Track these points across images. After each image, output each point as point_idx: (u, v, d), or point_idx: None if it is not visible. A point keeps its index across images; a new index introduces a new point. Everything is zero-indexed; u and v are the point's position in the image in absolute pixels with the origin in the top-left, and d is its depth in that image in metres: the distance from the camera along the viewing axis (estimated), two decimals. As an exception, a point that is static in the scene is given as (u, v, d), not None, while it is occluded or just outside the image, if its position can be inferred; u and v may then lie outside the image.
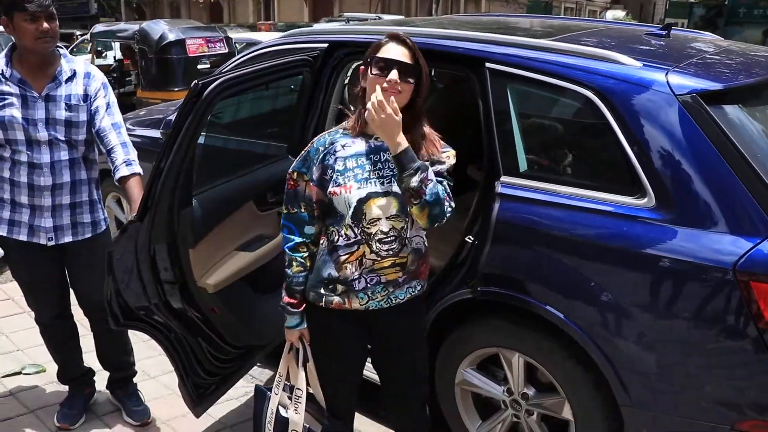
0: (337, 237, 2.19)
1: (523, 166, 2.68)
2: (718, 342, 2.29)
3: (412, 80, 2.11)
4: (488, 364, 2.93)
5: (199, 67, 9.28)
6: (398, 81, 2.07)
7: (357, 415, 2.71)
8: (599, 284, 2.45)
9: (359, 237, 2.16)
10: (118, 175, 2.87)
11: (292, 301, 2.29)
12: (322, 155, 2.18)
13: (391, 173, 2.15)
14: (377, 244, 2.17)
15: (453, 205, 2.19)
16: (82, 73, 2.89)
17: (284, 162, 3.16)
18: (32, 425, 3.14)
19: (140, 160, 4.60)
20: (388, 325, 2.34)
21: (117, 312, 2.72)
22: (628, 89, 2.45)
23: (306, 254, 2.26)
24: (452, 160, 2.26)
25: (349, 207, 2.14)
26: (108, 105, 2.92)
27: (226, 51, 9.90)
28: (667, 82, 2.41)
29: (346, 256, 2.18)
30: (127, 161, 2.89)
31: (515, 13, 20.39)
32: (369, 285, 2.21)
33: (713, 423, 2.33)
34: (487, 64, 2.74)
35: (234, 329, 2.91)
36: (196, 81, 2.48)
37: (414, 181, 2.04)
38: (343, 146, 2.19)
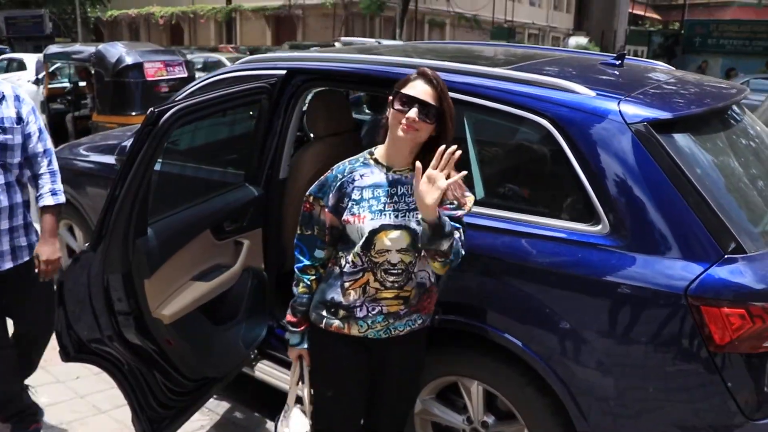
0: (344, 263, 2.24)
1: (479, 193, 2.69)
2: (673, 365, 2.32)
3: (431, 121, 2.12)
4: (448, 393, 2.92)
5: (160, 90, 9.16)
6: (416, 120, 2.08)
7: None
8: (555, 311, 2.47)
9: (365, 265, 2.20)
10: (41, 203, 2.93)
11: (293, 320, 2.36)
12: (339, 183, 2.21)
13: (407, 207, 2.19)
14: (382, 274, 2.20)
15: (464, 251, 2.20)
16: (12, 95, 2.88)
17: (241, 190, 3.13)
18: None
19: (94, 187, 4.57)
20: (384, 355, 2.36)
21: (68, 344, 2.65)
22: (582, 118, 2.49)
23: (313, 277, 2.32)
24: (471, 205, 2.26)
25: (361, 236, 2.17)
26: (40, 130, 2.95)
27: (186, 75, 9.80)
28: (620, 111, 2.46)
29: (350, 283, 2.23)
30: (53, 190, 2.95)
31: (479, 41, 20.70)
32: (370, 314, 2.25)
33: (669, 447, 2.36)
34: (444, 93, 2.75)
35: (190, 361, 2.85)
36: (152, 108, 2.45)
37: (444, 245, 2.07)
38: (361, 176, 2.22)
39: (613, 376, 2.41)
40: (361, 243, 2.17)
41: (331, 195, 2.21)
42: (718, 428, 2.32)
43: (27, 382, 3.25)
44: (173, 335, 2.71)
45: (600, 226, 2.41)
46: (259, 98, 3.10)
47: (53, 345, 4.08)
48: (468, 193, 2.27)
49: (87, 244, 2.58)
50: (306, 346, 2.38)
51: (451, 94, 2.69)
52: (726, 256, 2.26)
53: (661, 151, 2.39)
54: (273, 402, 3.01)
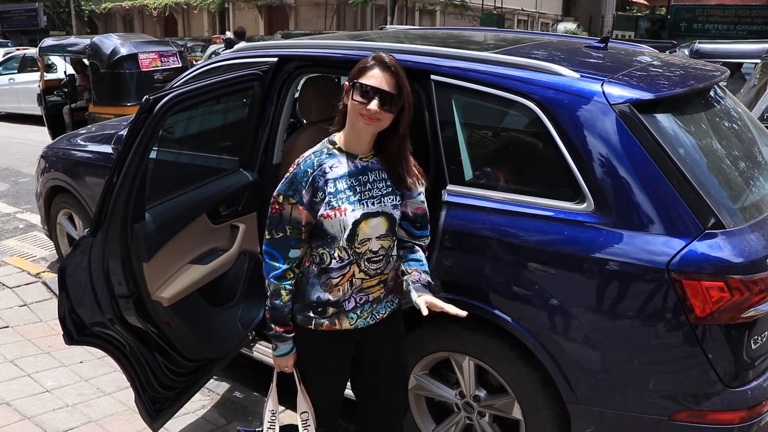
0: (329, 259, 2.17)
1: (468, 174, 2.76)
2: (657, 338, 2.40)
3: (393, 110, 2.08)
4: (440, 369, 3.00)
5: (153, 81, 9.20)
6: (378, 111, 2.05)
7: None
8: (543, 287, 2.54)
9: (351, 258, 2.18)
10: None
11: (286, 327, 2.25)
12: (311, 177, 2.12)
13: (380, 193, 2.19)
14: (365, 263, 2.20)
15: (428, 237, 2.42)
16: None
17: (236, 175, 3.20)
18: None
19: (92, 176, 4.64)
20: (371, 342, 2.39)
21: (71, 328, 2.72)
22: (566, 99, 2.56)
23: (293, 281, 2.21)
24: (425, 183, 2.35)
25: (345, 229, 2.13)
26: None
27: (180, 65, 9.83)
28: (603, 92, 2.52)
29: (339, 279, 2.19)
30: None
31: (468, 27, 20.63)
32: (358, 304, 2.26)
33: (654, 415, 2.44)
34: (433, 76, 2.82)
35: (189, 342, 2.92)
36: (147, 96, 2.51)
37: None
38: (331, 167, 2.15)
39: (599, 350, 2.49)
40: (345, 236, 2.13)
41: (304, 191, 2.11)
42: (699, 396, 2.40)
43: (29, 366, 3.28)
44: (173, 317, 2.79)
45: (585, 204, 2.48)
46: (251, 85, 3.16)
47: (57, 331, 4.18)
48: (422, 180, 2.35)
49: (87, 230, 2.64)
50: (296, 348, 2.30)
51: (441, 78, 2.79)
52: (706, 232, 2.34)
53: (644, 130, 2.46)
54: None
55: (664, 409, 2.42)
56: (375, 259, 2.20)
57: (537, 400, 2.67)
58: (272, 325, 2.24)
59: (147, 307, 2.73)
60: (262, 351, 3.36)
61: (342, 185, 2.13)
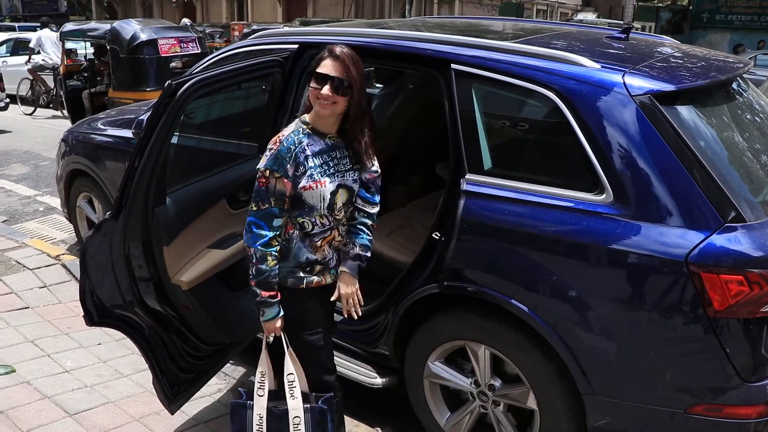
0: (310, 226, 2.40)
1: (487, 164, 2.76)
2: (674, 331, 2.40)
3: (344, 93, 2.33)
4: (456, 357, 3.02)
5: (172, 65, 9.24)
6: (330, 95, 2.30)
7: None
8: (562, 277, 2.55)
9: (331, 224, 2.44)
10: None
11: (272, 293, 2.39)
12: (293, 154, 2.33)
13: (344, 168, 2.45)
14: (341, 227, 2.50)
15: (378, 205, 2.61)
16: None
17: (255, 161, 3.21)
18: (2, 425, 3.14)
19: (112, 160, 4.68)
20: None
21: (92, 310, 2.75)
22: (587, 90, 2.55)
23: (278, 247, 2.38)
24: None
25: (324, 200, 2.38)
26: None
27: (199, 51, 9.85)
28: (624, 83, 2.51)
29: (320, 241, 2.44)
30: None
31: (487, 16, 20.50)
32: (336, 262, 2.54)
33: (670, 408, 2.44)
34: (453, 66, 2.82)
35: (207, 326, 2.95)
36: (169, 81, 2.53)
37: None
38: (308, 145, 2.37)
39: (615, 341, 2.49)
40: (326, 205, 2.38)
41: (288, 166, 2.32)
42: (716, 390, 2.40)
43: (49, 346, 3.31)
44: (191, 301, 2.82)
45: (604, 195, 2.47)
46: (272, 72, 3.17)
47: (75, 312, 4.24)
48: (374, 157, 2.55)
49: (109, 213, 2.67)
50: (282, 312, 2.44)
51: (461, 67, 2.79)
52: (726, 225, 2.33)
53: (664, 122, 2.45)
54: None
55: (680, 402, 2.42)
56: (343, 222, 2.50)
57: (552, 390, 2.67)
58: (258, 291, 2.38)
59: (166, 290, 2.77)
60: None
61: (318, 161, 2.37)
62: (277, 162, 2.32)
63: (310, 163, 2.35)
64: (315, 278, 2.47)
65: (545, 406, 2.72)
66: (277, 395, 2.51)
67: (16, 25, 24.51)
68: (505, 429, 2.92)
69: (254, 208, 2.35)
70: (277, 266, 2.37)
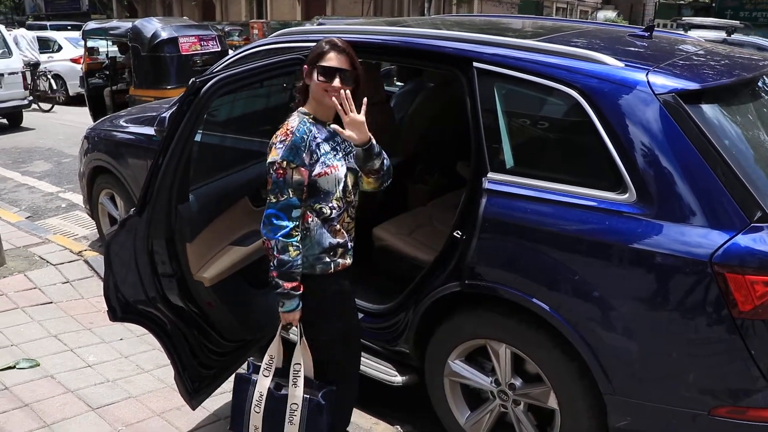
0: (328, 210, 2.44)
1: (509, 162, 2.76)
2: (697, 332, 2.38)
3: (351, 85, 2.42)
4: (476, 356, 3.02)
5: (192, 64, 9.30)
6: (341, 86, 2.38)
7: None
8: (583, 277, 2.53)
9: (344, 206, 2.48)
10: None
11: (294, 284, 2.40)
12: (307, 143, 2.38)
13: (345, 152, 2.51)
14: (351, 209, 2.54)
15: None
16: None
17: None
18: (27, 418, 3.19)
19: (134, 157, 4.72)
20: None
21: (115, 305, 2.78)
22: (610, 88, 2.54)
23: (299, 236, 2.40)
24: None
25: (339, 183, 2.44)
26: None
27: (219, 49, 9.91)
28: (648, 81, 2.49)
29: (339, 224, 2.48)
30: None
31: (506, 14, 20.42)
32: (353, 244, 2.58)
33: (692, 410, 2.43)
34: (475, 64, 2.82)
35: (229, 323, 2.97)
36: (194, 79, 2.55)
37: (376, 164, 2.49)
38: (317, 135, 2.43)
39: (638, 341, 2.48)
40: (340, 188, 2.44)
41: (303, 155, 2.36)
42: (740, 392, 2.38)
43: (71, 341, 3.34)
44: (214, 297, 2.84)
45: (627, 195, 2.46)
46: (294, 70, 3.17)
47: (98, 308, 4.29)
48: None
49: (133, 210, 2.69)
50: (301, 304, 2.44)
51: (483, 66, 2.79)
52: (752, 225, 2.30)
53: (688, 121, 2.43)
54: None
55: (703, 404, 2.41)
56: (354, 204, 2.55)
57: (573, 389, 2.67)
58: (281, 283, 2.39)
59: (189, 286, 2.79)
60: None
61: (328, 147, 2.43)
62: (292, 152, 2.34)
63: (322, 150, 2.40)
64: (340, 261, 2.50)
65: (566, 406, 2.71)
66: (281, 378, 2.54)
67: (48, 23, 24.76)
68: (525, 428, 2.91)
69: (273, 200, 2.37)
70: (299, 257, 2.38)
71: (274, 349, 2.57)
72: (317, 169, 2.39)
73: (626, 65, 2.59)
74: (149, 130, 4.57)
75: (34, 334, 3.99)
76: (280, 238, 2.35)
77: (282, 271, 2.37)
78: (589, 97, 2.55)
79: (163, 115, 4.41)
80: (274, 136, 2.39)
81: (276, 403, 2.51)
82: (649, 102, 2.46)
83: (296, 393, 2.48)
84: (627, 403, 2.54)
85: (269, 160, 2.37)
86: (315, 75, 2.40)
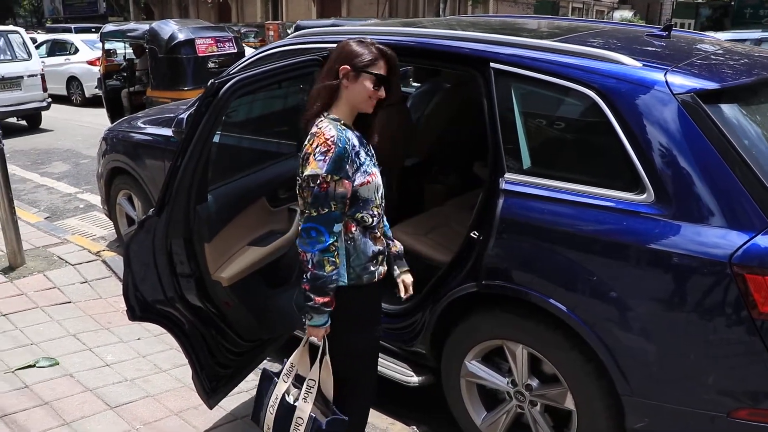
0: (369, 219, 2.39)
1: (526, 163, 2.75)
2: (716, 333, 2.36)
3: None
4: (493, 357, 3.01)
5: (209, 66, 9.36)
6: (383, 95, 2.35)
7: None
8: (601, 277, 2.53)
9: (381, 212, 2.46)
10: None
11: (327, 299, 2.31)
12: (348, 153, 2.28)
13: (373, 154, 2.46)
14: (383, 215, 2.51)
15: None
16: None
17: (294, 159, 3.24)
18: (47, 416, 3.23)
19: (152, 158, 4.76)
20: None
21: (134, 305, 2.80)
22: (628, 88, 2.53)
23: (336, 252, 2.31)
24: None
25: (378, 190, 2.41)
26: None
27: (236, 51, 9.97)
28: (666, 81, 2.48)
29: (377, 231, 2.45)
30: None
31: (522, 14, 20.35)
32: (388, 250, 2.57)
33: (711, 411, 2.41)
34: (492, 64, 2.82)
35: (247, 323, 2.99)
36: (212, 80, 2.56)
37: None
38: (354, 142, 2.34)
39: (655, 343, 2.47)
40: (378, 195, 2.41)
41: (347, 166, 2.27)
42: (761, 394, 2.36)
43: (90, 340, 3.37)
44: (232, 297, 2.85)
45: (645, 195, 2.45)
46: (311, 71, 3.18)
47: (116, 308, 4.32)
48: None
49: (152, 210, 2.72)
50: (329, 321, 2.37)
51: (500, 66, 2.79)
52: (772, 225, 2.28)
53: (707, 121, 2.41)
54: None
55: (723, 406, 2.39)
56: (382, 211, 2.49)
57: (591, 390, 2.66)
58: (312, 296, 2.30)
59: (207, 286, 2.81)
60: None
61: (363, 154, 2.36)
62: (336, 165, 2.24)
63: (360, 159, 2.32)
64: (381, 268, 2.47)
65: (583, 407, 2.70)
66: (297, 385, 2.51)
67: (72, 26, 24.99)
68: (542, 429, 2.90)
69: (314, 214, 2.26)
70: (334, 272, 2.31)
71: (296, 357, 2.50)
72: (359, 179, 2.31)
73: (644, 65, 2.58)
74: (167, 132, 4.61)
75: (53, 333, 4.03)
76: (317, 252, 2.27)
77: (316, 285, 2.29)
78: (607, 97, 2.54)
79: (181, 116, 4.45)
80: (308, 145, 2.29)
81: (285, 410, 2.47)
82: (668, 102, 2.45)
83: (304, 408, 2.43)
84: (645, 404, 2.53)
85: (309, 172, 2.25)
86: (364, 81, 2.30)
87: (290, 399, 2.50)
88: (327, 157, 2.24)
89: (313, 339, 2.39)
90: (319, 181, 2.24)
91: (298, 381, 2.52)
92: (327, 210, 2.26)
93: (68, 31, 22.50)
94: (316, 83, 2.43)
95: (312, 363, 2.48)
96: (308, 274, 2.29)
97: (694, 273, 2.36)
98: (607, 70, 2.59)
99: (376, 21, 9.20)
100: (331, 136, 2.26)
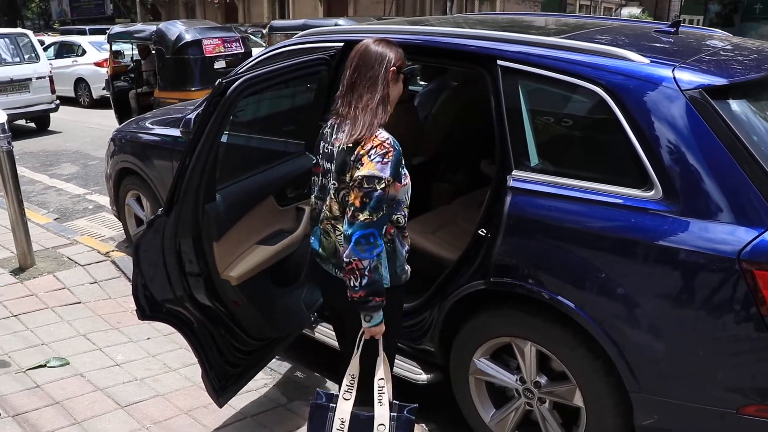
0: (402, 220, 2.43)
1: (534, 160, 2.75)
2: (724, 329, 2.36)
3: None
4: (501, 354, 3.01)
5: (216, 66, 9.39)
6: None
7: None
8: (609, 274, 2.52)
9: (408, 213, 2.47)
10: None
11: (383, 297, 2.31)
12: (401, 155, 2.31)
13: None
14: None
15: None
16: None
17: (303, 158, 3.26)
18: (58, 415, 3.25)
19: (160, 159, 4.78)
20: None
21: (144, 304, 2.82)
22: (635, 85, 2.52)
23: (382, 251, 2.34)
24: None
25: (409, 191, 2.44)
26: None
27: (242, 51, 10.00)
28: (674, 77, 2.47)
29: (406, 231, 2.50)
30: None
31: (529, 12, 20.33)
32: None
33: (719, 408, 2.40)
34: (499, 62, 2.82)
35: (256, 322, 3.00)
36: (220, 80, 2.58)
37: None
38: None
39: (664, 339, 2.46)
40: (409, 195, 2.42)
41: (401, 169, 2.31)
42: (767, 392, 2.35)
43: (100, 340, 3.39)
44: (240, 296, 2.87)
45: (653, 192, 2.44)
46: (319, 70, 3.20)
47: (125, 307, 4.34)
48: None
49: (161, 210, 2.73)
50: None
51: (508, 64, 2.80)
52: (781, 221, 2.28)
53: (716, 117, 2.40)
54: (332, 363, 3.15)
55: (732, 402, 2.38)
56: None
57: (599, 387, 2.65)
58: (371, 298, 2.28)
59: (216, 285, 2.82)
60: (324, 332, 3.42)
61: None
62: (395, 168, 2.25)
63: (404, 161, 2.35)
64: (408, 267, 2.52)
65: (592, 404, 2.70)
66: (362, 400, 2.44)
67: (87, 28, 25.08)
68: (550, 426, 2.90)
69: (369, 219, 2.22)
70: (384, 271, 2.35)
71: (355, 368, 2.45)
72: (403, 181, 2.36)
73: (652, 61, 2.57)
74: (175, 132, 4.62)
75: (63, 333, 4.06)
76: (375, 257, 2.25)
77: (374, 288, 2.27)
78: (615, 93, 2.54)
79: (188, 116, 4.46)
80: (360, 147, 2.24)
81: (361, 426, 2.39)
82: (676, 98, 2.45)
83: (383, 412, 2.38)
84: (653, 401, 2.52)
85: (365, 173, 2.20)
86: (400, 82, 2.39)
87: (361, 413, 2.42)
88: (387, 160, 2.23)
89: (373, 336, 2.38)
90: (383, 185, 2.22)
91: (359, 400, 2.46)
92: (381, 213, 2.25)
93: (82, 33, 22.57)
94: (364, 92, 2.31)
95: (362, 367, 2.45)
96: (363, 280, 2.25)
97: (702, 269, 2.35)
98: (614, 66, 2.58)
99: (371, 21, 9.19)
100: (386, 139, 2.26)
